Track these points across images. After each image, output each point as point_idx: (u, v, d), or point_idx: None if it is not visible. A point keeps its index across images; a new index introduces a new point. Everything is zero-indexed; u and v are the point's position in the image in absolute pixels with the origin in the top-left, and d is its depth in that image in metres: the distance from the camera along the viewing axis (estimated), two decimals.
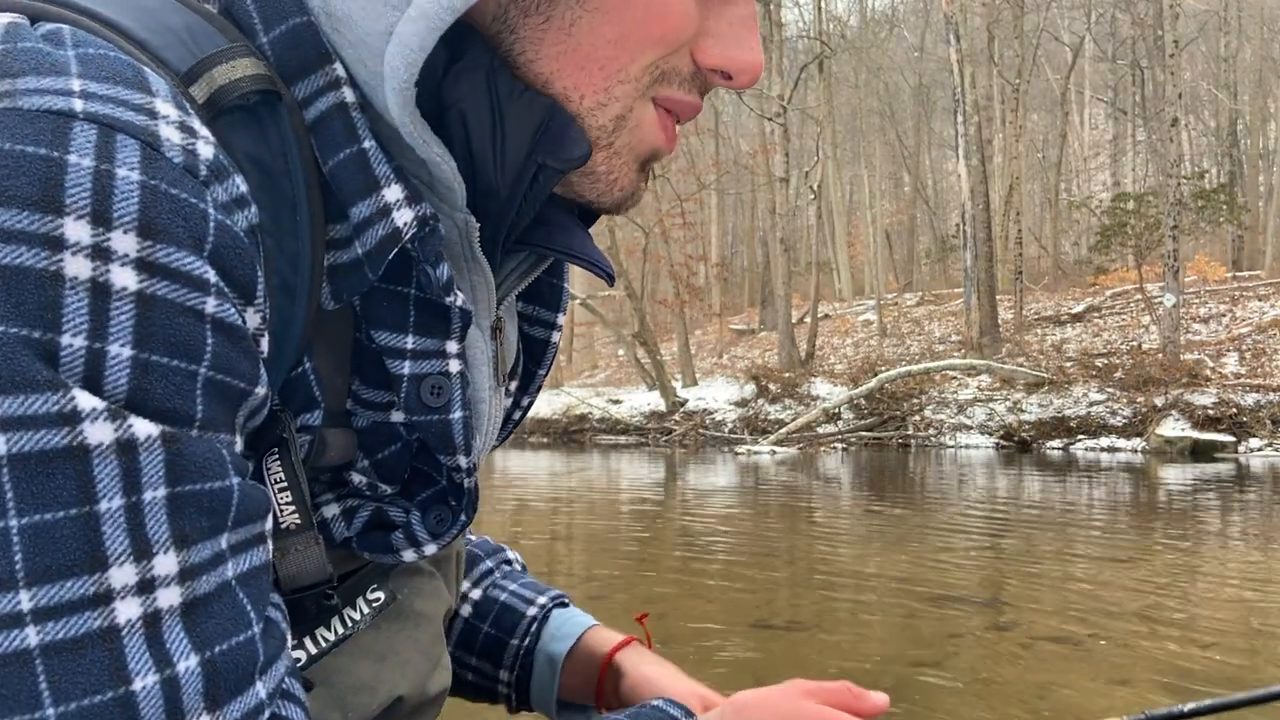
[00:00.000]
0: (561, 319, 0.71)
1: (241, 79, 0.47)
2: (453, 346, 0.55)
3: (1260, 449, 12.61)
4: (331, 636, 0.57)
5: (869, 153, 33.39)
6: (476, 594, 0.86)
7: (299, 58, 0.50)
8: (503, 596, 0.85)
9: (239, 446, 0.45)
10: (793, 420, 15.93)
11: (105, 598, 0.38)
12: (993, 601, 5.25)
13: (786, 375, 17.87)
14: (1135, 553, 6.51)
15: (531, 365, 0.71)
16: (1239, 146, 29.32)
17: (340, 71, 0.50)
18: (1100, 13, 30.54)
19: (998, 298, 19.66)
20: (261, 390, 0.46)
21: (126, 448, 0.39)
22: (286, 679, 0.47)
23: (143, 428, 0.39)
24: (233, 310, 0.43)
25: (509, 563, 0.92)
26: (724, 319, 29.58)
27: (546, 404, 19.01)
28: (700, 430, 16.67)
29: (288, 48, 0.50)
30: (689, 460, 14.20)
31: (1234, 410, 13.21)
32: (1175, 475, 10.79)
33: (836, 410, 15.90)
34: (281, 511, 0.51)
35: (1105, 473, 11.31)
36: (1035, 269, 27.81)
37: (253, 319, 0.45)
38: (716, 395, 17.91)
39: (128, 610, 0.39)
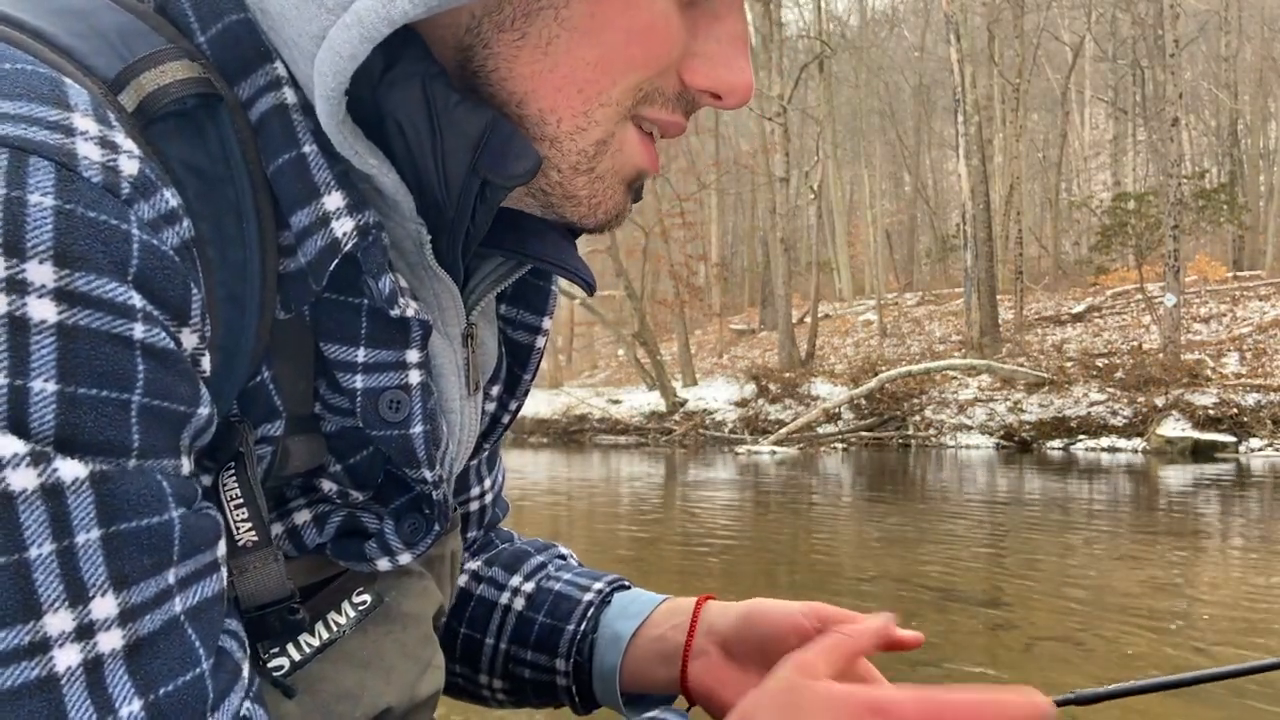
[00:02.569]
0: (547, 323, 0.69)
1: (171, 84, 0.45)
2: (413, 356, 0.53)
3: (1261, 449, 12.60)
4: (315, 642, 0.56)
5: (869, 153, 33.38)
6: (529, 587, 0.82)
7: (239, 57, 0.48)
8: (557, 586, 0.81)
9: (186, 469, 0.44)
10: (793, 420, 15.92)
11: (42, 646, 0.37)
12: (993, 601, 5.24)
13: (786, 375, 17.86)
14: (1136, 553, 6.51)
15: (516, 369, 0.69)
16: (1239, 146, 29.31)
17: (281, 71, 0.48)
18: (1100, 12, 30.52)
19: (998, 298, 19.66)
20: (204, 410, 0.44)
21: (52, 492, 0.37)
22: (247, 705, 0.46)
23: (69, 470, 0.38)
24: (163, 334, 0.41)
25: (562, 557, 0.88)
26: (724, 319, 29.57)
27: (546, 404, 19.00)
28: (700, 430, 16.66)
29: (226, 47, 0.48)
30: (689, 460, 14.20)
31: (1235, 410, 13.20)
32: (1176, 475, 10.78)
33: (836, 410, 15.90)
34: (238, 529, 0.50)
35: (1106, 473, 11.30)
36: (1036, 269, 27.81)
37: (189, 339, 0.43)
38: (716, 395, 17.91)
39: (66, 658, 0.37)
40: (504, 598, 0.82)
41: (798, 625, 0.70)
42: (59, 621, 0.37)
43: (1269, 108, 31.82)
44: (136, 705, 0.39)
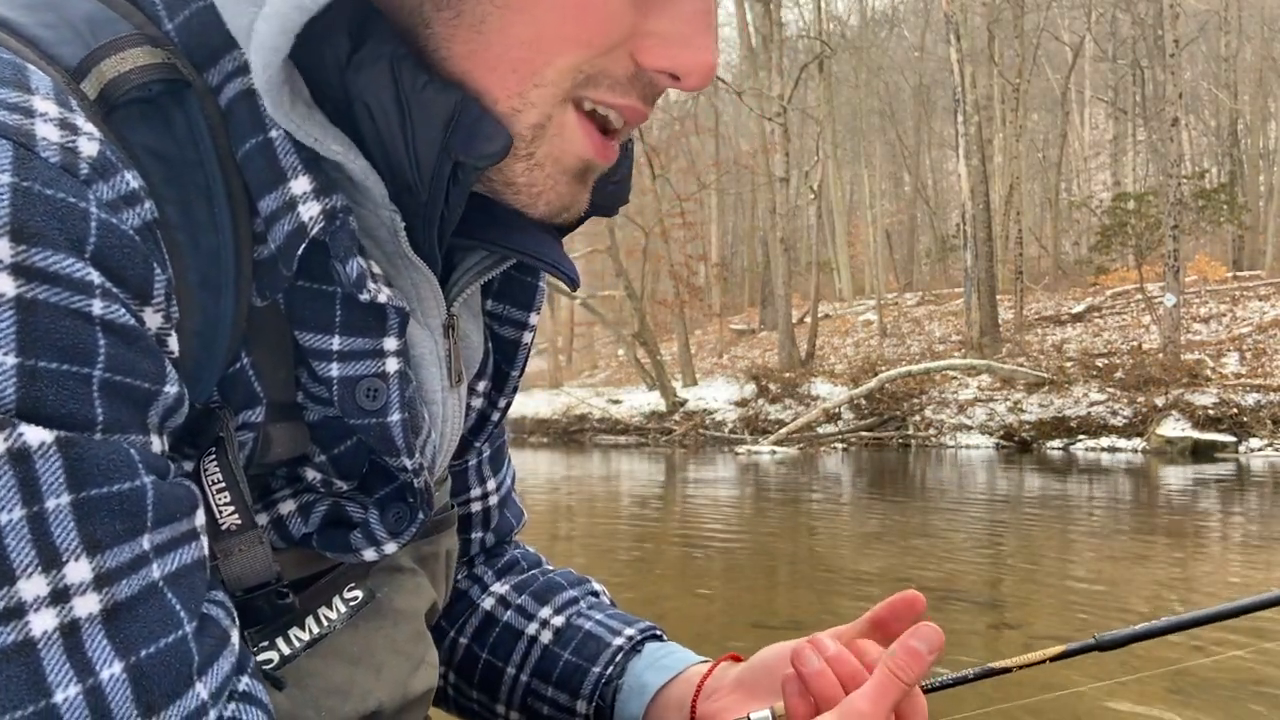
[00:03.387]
0: (534, 319, 0.69)
1: (131, 70, 0.45)
2: (390, 344, 0.52)
3: (1261, 449, 12.60)
4: (305, 636, 0.56)
5: (869, 153, 33.38)
6: (559, 621, 0.80)
7: (206, 44, 0.47)
8: (588, 625, 0.80)
9: (157, 446, 0.44)
10: (793, 420, 15.92)
11: (17, 611, 0.37)
12: (993, 601, 5.25)
13: (786, 375, 17.86)
14: (1135, 552, 6.51)
15: (504, 366, 0.69)
16: (1239, 146, 29.31)
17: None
18: (1100, 12, 30.52)
19: (998, 298, 19.66)
20: (171, 389, 0.44)
21: (19, 456, 0.37)
22: (246, 680, 0.46)
23: (35, 435, 0.37)
24: (124, 311, 0.41)
25: (595, 594, 0.87)
26: (724, 319, 29.56)
27: (546, 404, 19.00)
28: (700, 430, 16.66)
29: (193, 34, 0.48)
30: (689, 460, 14.20)
31: (1234, 410, 13.20)
32: (1176, 475, 10.79)
33: (836, 410, 15.90)
34: (221, 513, 0.49)
35: (1105, 473, 11.30)
36: (1035, 269, 27.81)
37: (152, 318, 0.43)
38: (716, 395, 17.91)
39: (42, 622, 0.37)
40: (531, 628, 0.80)
41: (796, 651, 0.69)
42: (33, 586, 0.37)
43: (1269, 108, 31.82)
44: (117, 667, 0.39)
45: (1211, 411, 13.23)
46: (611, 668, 0.77)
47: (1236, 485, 9.96)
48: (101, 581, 0.39)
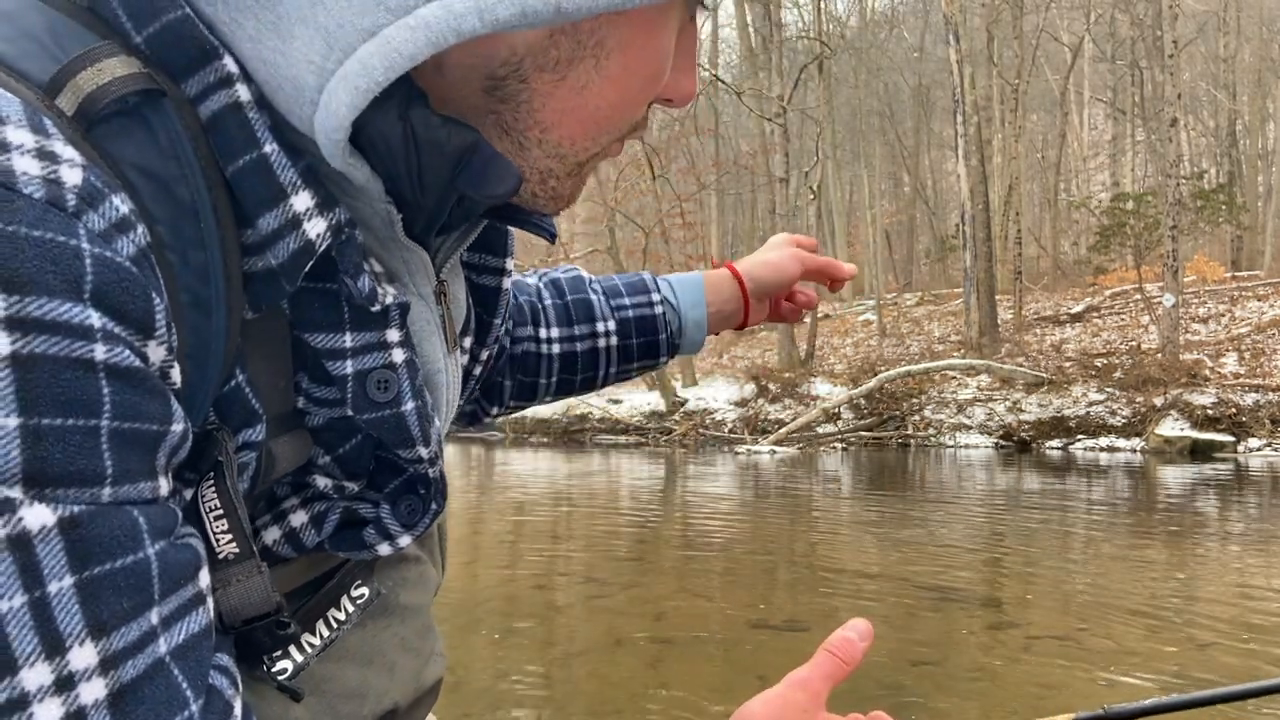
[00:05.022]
0: (510, 263, 0.70)
1: (111, 82, 0.42)
2: (393, 335, 0.53)
3: (1259, 449, 12.61)
4: (317, 641, 0.55)
5: (869, 153, 33.37)
6: (612, 325, 0.95)
7: (182, 54, 0.45)
8: (631, 313, 0.96)
9: (165, 489, 0.42)
10: (793, 420, 15.93)
11: (21, 703, 0.35)
12: (993, 600, 5.26)
13: (786, 375, 17.86)
14: (1134, 552, 6.52)
15: (486, 315, 0.70)
16: (1238, 147, 29.32)
17: (231, 67, 0.46)
18: (1100, 13, 30.52)
19: (997, 298, 19.66)
20: (178, 427, 0.42)
21: (19, 542, 0.35)
22: None
23: (35, 517, 0.36)
24: (127, 351, 0.39)
25: (592, 281, 0.99)
26: None
27: (546, 404, 18.98)
28: (700, 430, 16.66)
29: (168, 45, 0.45)
30: (689, 460, 14.20)
31: (1233, 410, 13.21)
32: (1174, 475, 10.80)
33: (836, 410, 15.90)
34: (218, 540, 0.48)
35: (1104, 472, 11.31)
36: (1035, 269, 27.81)
37: (156, 353, 0.41)
38: (716, 395, 17.90)
39: (47, 713, 0.36)
40: (600, 343, 0.96)
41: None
42: (36, 676, 0.36)
43: (1267, 108, 31.82)
44: None
45: (1210, 411, 13.24)
46: (669, 330, 0.97)
47: (1235, 485, 9.97)
48: (107, 665, 0.38)
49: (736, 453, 14.80)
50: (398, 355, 0.52)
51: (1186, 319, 17.29)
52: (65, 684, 0.36)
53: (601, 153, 0.56)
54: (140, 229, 0.41)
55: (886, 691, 3.65)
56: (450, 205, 0.53)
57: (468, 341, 0.68)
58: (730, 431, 16.47)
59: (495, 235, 0.68)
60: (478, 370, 0.71)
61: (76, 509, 0.37)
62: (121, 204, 0.40)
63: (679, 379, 19.66)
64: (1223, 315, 18.25)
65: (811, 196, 23.37)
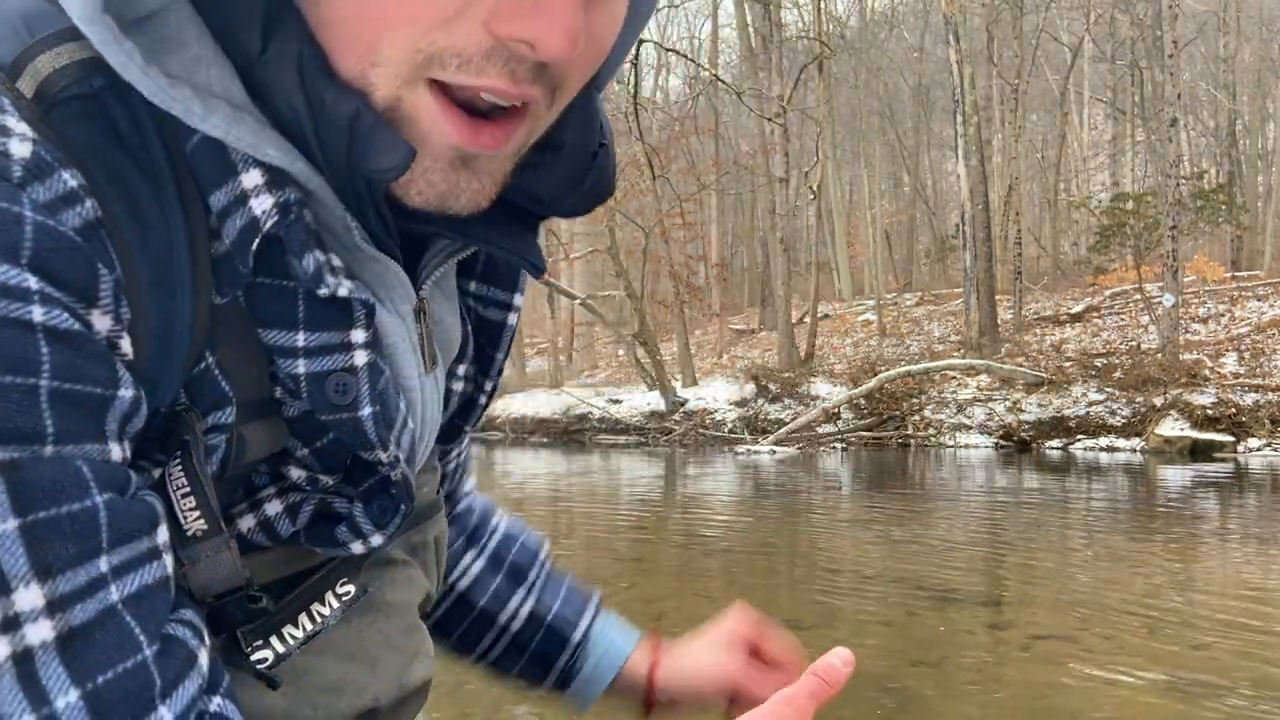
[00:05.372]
0: (519, 299, 0.68)
1: (68, 65, 0.43)
2: (358, 336, 0.51)
3: (1259, 449, 12.61)
4: (299, 634, 0.55)
5: (869, 153, 33.38)
6: (526, 610, 0.85)
7: None
8: (549, 618, 0.85)
9: (116, 454, 0.43)
10: (792, 420, 15.93)
11: None
12: (993, 601, 5.26)
13: (786, 375, 17.87)
14: (1134, 552, 6.52)
15: (489, 349, 0.68)
16: (1238, 147, 29.31)
17: (197, 51, 0.46)
18: (1100, 13, 30.52)
19: (997, 298, 19.66)
20: (126, 393, 0.43)
21: None
22: (217, 700, 0.46)
23: None
24: (67, 315, 0.40)
25: (540, 560, 0.89)
26: (724, 319, 29.56)
27: (546, 404, 19.00)
28: (700, 430, 16.66)
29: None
30: (689, 460, 14.21)
31: (1233, 410, 13.21)
32: (1174, 475, 10.80)
33: (836, 410, 15.90)
34: (186, 518, 0.48)
35: (1104, 472, 11.31)
36: (1035, 269, 27.81)
37: (101, 321, 0.42)
38: (716, 395, 17.91)
39: None
40: (502, 618, 0.85)
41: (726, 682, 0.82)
42: None
43: (1267, 108, 31.83)
44: (73, 695, 0.38)
45: (1210, 411, 13.24)
46: (571, 661, 0.85)
47: (1235, 485, 9.97)
48: (54, 607, 0.38)
49: (736, 453, 14.81)
50: (360, 358, 0.51)
51: (1186, 319, 17.29)
52: (10, 624, 0.37)
53: (412, 118, 0.47)
54: (89, 204, 0.41)
55: (887, 691, 3.65)
56: (364, 190, 0.49)
57: (463, 369, 0.66)
58: (730, 431, 16.48)
59: (507, 271, 0.66)
60: (482, 400, 0.69)
61: (17, 454, 0.38)
62: (70, 179, 0.41)
63: (679, 379, 19.67)
64: (1222, 315, 18.26)
65: (811, 196, 23.37)
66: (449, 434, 0.68)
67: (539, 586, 0.87)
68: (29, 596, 0.38)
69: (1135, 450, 13.22)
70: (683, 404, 17.71)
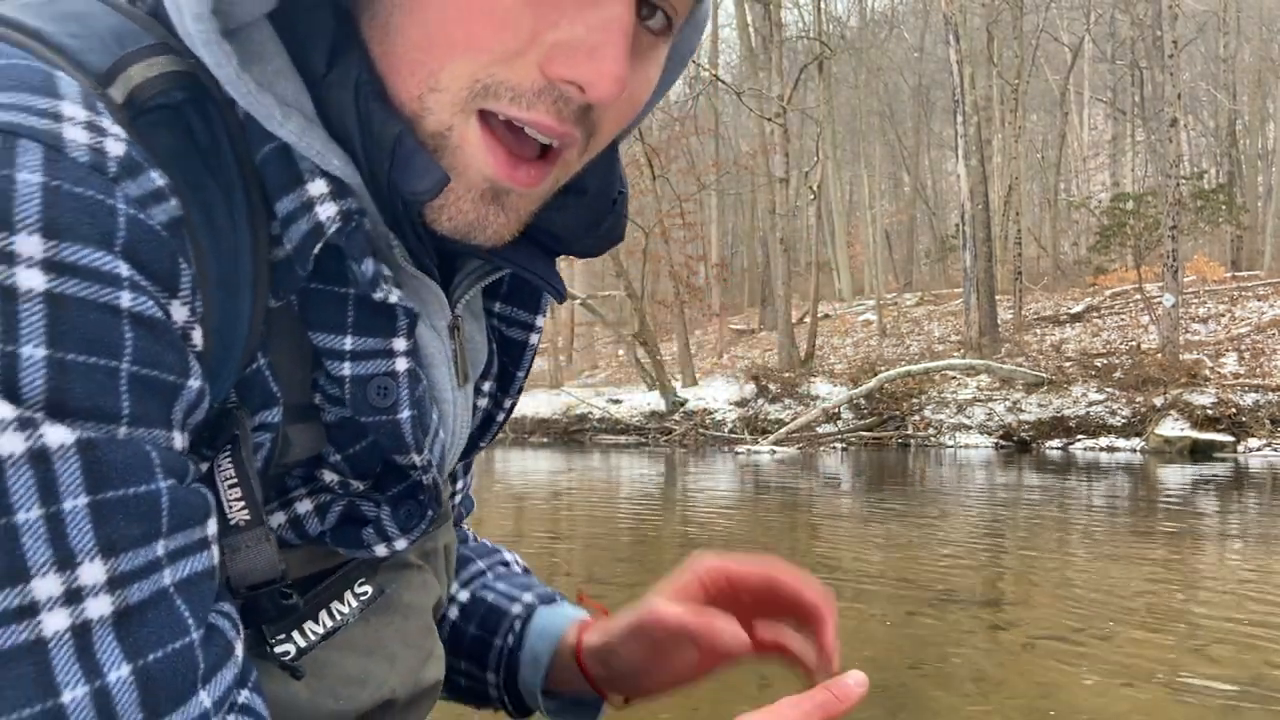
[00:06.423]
0: (540, 321, 0.70)
1: (159, 76, 0.46)
2: (400, 344, 0.54)
3: (1259, 449, 12.62)
4: (320, 630, 0.57)
5: (869, 153, 33.38)
6: (464, 596, 0.83)
7: None
8: (490, 597, 0.82)
9: (179, 443, 0.45)
10: (793, 420, 15.94)
11: (30, 610, 0.37)
12: (993, 601, 5.26)
13: (786, 375, 17.87)
14: (1135, 552, 6.52)
15: (510, 367, 0.70)
16: (1238, 147, 29.32)
17: None
18: (1100, 13, 30.54)
19: (997, 298, 19.67)
20: (194, 383, 0.45)
21: (39, 457, 0.38)
22: (244, 693, 0.47)
23: (55, 435, 0.38)
24: (152, 304, 0.42)
25: (505, 564, 0.88)
26: (724, 319, 29.57)
27: (546, 404, 19.00)
28: (700, 430, 16.66)
29: None
30: (689, 460, 14.21)
31: (1233, 410, 13.21)
32: (1174, 475, 10.80)
33: (836, 410, 15.91)
34: (230, 508, 0.50)
35: (1104, 473, 11.32)
36: (1035, 269, 27.82)
37: (179, 312, 0.44)
38: (716, 395, 17.91)
39: (54, 622, 0.38)
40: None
41: (686, 627, 0.70)
42: (47, 586, 0.38)
43: (1267, 108, 31.84)
44: (125, 670, 0.40)
45: (1210, 411, 13.25)
46: (510, 637, 0.80)
47: (1235, 485, 9.97)
48: (114, 584, 0.40)
49: (736, 453, 14.81)
50: (401, 364, 0.54)
51: (1186, 319, 17.30)
52: (74, 597, 0.38)
53: (460, 147, 0.51)
54: (174, 202, 0.44)
55: (886, 691, 3.65)
56: (402, 209, 0.53)
57: (487, 385, 0.69)
58: (730, 431, 16.48)
59: (530, 293, 0.69)
60: (500, 417, 0.71)
61: (94, 434, 0.39)
62: (158, 178, 0.44)
63: (679, 379, 19.68)
64: (1222, 315, 18.27)
65: (811, 196, 23.38)
66: (465, 448, 0.70)
67: (480, 579, 0.84)
68: (93, 571, 0.39)
69: (1135, 450, 13.22)
70: (683, 404, 17.72)
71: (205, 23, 0.45)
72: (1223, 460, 12.06)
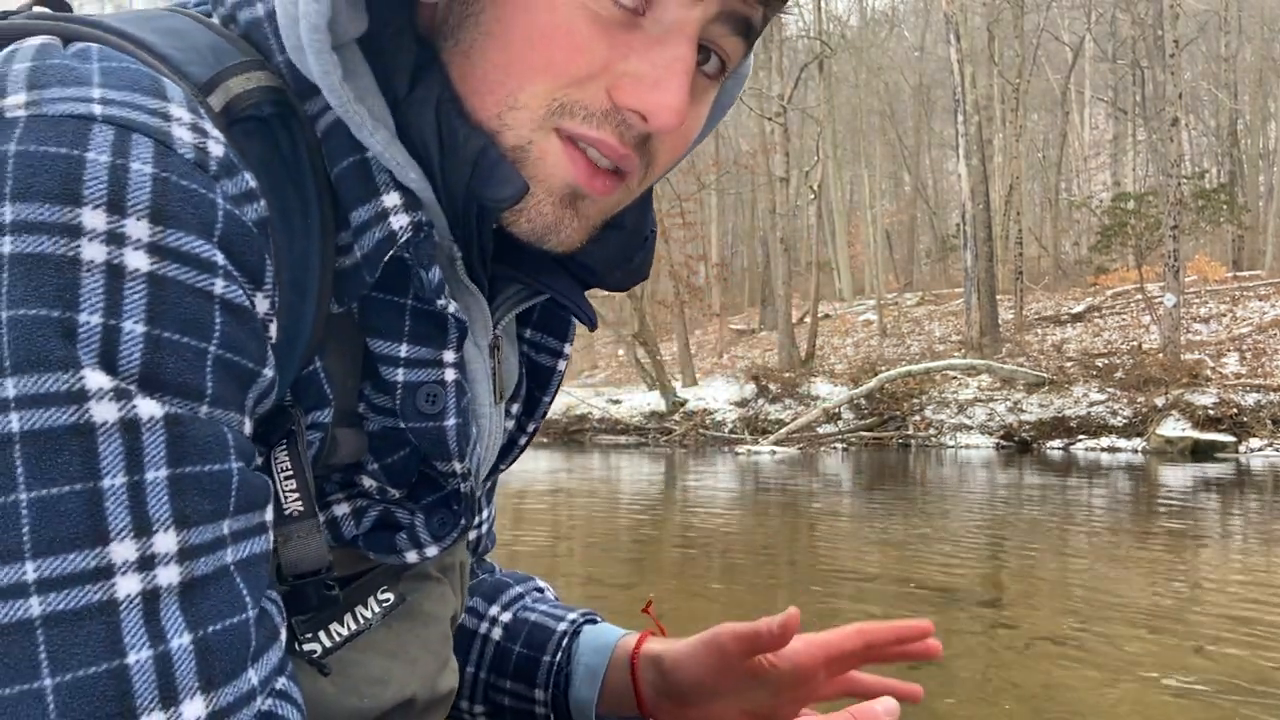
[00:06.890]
0: (568, 348, 0.74)
1: (255, 89, 0.51)
2: (449, 356, 0.57)
3: (1261, 449, 12.61)
4: (344, 631, 0.60)
5: (869, 152, 33.38)
6: (507, 617, 0.87)
7: (307, 79, 0.53)
8: (533, 617, 0.86)
9: (248, 428, 0.48)
10: (793, 420, 15.93)
11: (106, 572, 0.40)
12: (993, 601, 5.25)
13: (786, 375, 17.87)
14: (1135, 553, 6.52)
15: (537, 391, 0.73)
16: (1239, 146, 29.32)
17: None
18: (1100, 13, 30.52)
19: (998, 297, 19.67)
20: (269, 373, 0.48)
21: (130, 426, 0.41)
22: (283, 680, 0.48)
23: (146, 408, 0.41)
24: (241, 293, 0.46)
25: (540, 590, 0.93)
26: (724, 319, 29.56)
27: None
28: (700, 430, 16.66)
29: (297, 70, 0.53)
30: (689, 460, 14.20)
31: (1234, 410, 13.20)
32: (1176, 475, 10.79)
33: (836, 410, 15.90)
34: (286, 498, 0.53)
35: (1105, 473, 11.30)
36: (1035, 269, 27.81)
37: (261, 303, 0.48)
38: (716, 395, 17.90)
39: (127, 585, 0.40)
40: (483, 627, 0.86)
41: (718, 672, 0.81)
42: (124, 550, 0.40)
43: (1269, 108, 31.83)
44: (186, 638, 0.42)
45: (1211, 411, 13.24)
46: (560, 654, 0.83)
47: (1236, 485, 9.96)
48: (184, 555, 0.42)
49: (737, 453, 14.80)
50: (449, 375, 0.57)
51: (1187, 319, 17.29)
52: (147, 563, 0.41)
53: (541, 159, 0.54)
54: (262, 203, 0.48)
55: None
56: (474, 219, 0.56)
57: (515, 408, 0.72)
58: (730, 431, 16.47)
59: (559, 321, 0.73)
60: (522, 440, 0.74)
61: (180, 410, 0.42)
62: (250, 180, 0.48)
63: (679, 379, 19.68)
64: (1224, 315, 18.26)
65: (812, 196, 23.37)
66: (490, 469, 0.72)
67: (520, 601, 0.88)
68: (166, 541, 0.41)
69: (1136, 450, 13.21)
70: (683, 404, 17.71)
71: (321, 34, 0.49)
72: (1224, 460, 12.05)
